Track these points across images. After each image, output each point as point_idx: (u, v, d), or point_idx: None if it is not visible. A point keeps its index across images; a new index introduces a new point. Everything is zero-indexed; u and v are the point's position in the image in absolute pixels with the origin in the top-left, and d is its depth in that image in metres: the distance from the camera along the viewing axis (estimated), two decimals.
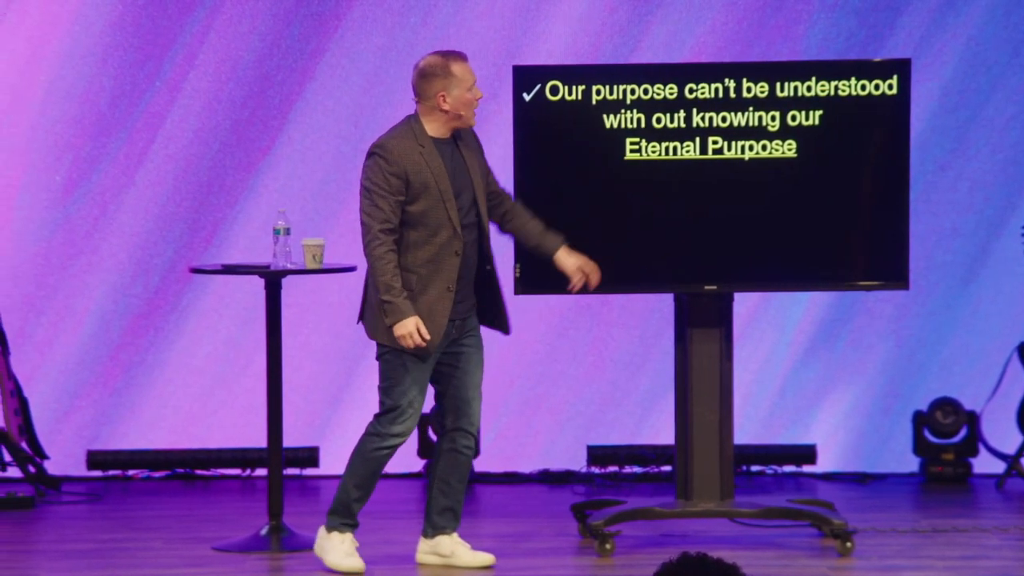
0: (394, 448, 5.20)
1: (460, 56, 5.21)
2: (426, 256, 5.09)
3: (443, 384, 5.20)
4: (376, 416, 5.22)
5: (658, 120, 5.61)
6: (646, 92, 5.60)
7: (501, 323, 5.30)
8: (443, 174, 5.10)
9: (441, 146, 5.16)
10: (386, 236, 5.02)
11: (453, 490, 5.21)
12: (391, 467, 6.87)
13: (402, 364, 5.10)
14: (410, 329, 4.99)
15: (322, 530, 5.24)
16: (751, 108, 5.61)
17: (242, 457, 7.04)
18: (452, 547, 5.23)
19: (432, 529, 5.27)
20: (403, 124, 5.19)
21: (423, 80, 5.15)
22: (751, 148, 5.62)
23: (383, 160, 5.09)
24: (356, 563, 5.20)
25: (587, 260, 5.26)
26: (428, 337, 5.01)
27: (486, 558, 5.23)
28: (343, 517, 5.21)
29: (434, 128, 5.16)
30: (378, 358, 5.18)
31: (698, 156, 5.61)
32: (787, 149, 5.62)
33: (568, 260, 5.24)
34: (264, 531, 5.74)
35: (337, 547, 5.20)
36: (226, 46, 7.08)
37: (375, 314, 5.11)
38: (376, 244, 5.01)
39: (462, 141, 5.23)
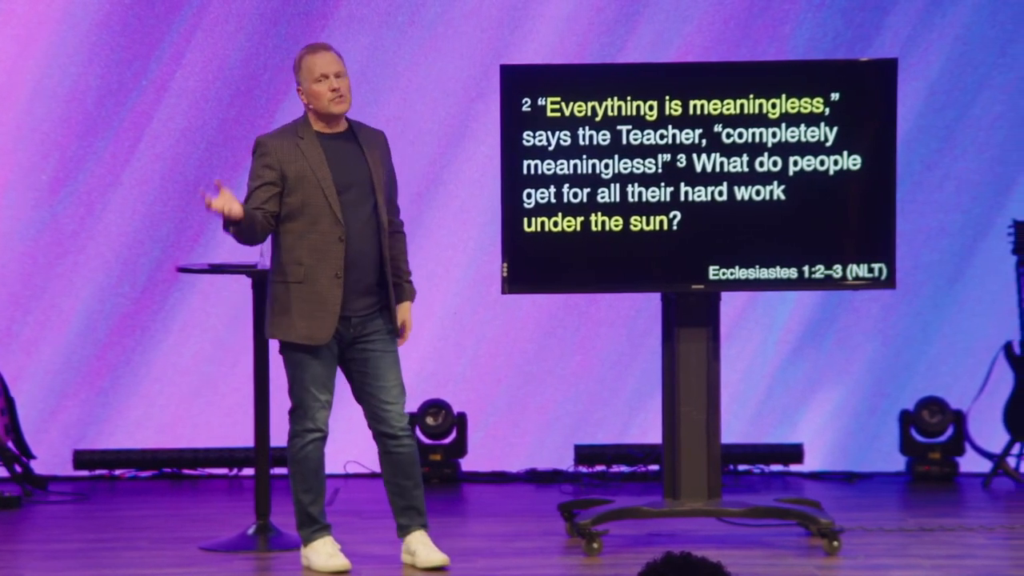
0: (315, 443, 5.18)
1: (314, 47, 5.23)
2: (310, 245, 5.12)
3: (356, 387, 5.21)
4: (288, 416, 5.24)
5: (648, 117, 5.61)
6: (635, 93, 5.60)
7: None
8: (322, 164, 5.11)
9: (327, 139, 5.18)
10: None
11: (404, 489, 5.21)
12: (378, 466, 6.87)
13: (297, 360, 5.14)
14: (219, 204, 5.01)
15: (302, 550, 5.26)
16: (740, 106, 5.62)
17: (229, 456, 7.03)
18: (415, 546, 5.23)
19: (401, 530, 5.27)
20: (293, 121, 5.26)
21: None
22: (738, 149, 5.62)
23: (258, 152, 5.17)
24: (339, 562, 5.20)
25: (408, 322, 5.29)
26: (233, 207, 5.01)
27: (439, 559, 5.20)
28: (310, 526, 5.22)
29: (314, 121, 5.20)
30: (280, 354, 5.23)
31: (685, 157, 5.61)
32: (774, 149, 5.63)
33: (405, 314, 5.27)
34: (251, 530, 5.73)
35: (319, 552, 5.21)
36: (213, 45, 7.07)
37: (270, 312, 5.16)
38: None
39: (365, 141, 5.22)
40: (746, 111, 5.62)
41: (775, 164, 5.64)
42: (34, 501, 6.56)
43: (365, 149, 5.21)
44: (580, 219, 5.61)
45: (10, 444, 6.72)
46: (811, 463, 7.07)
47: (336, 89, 5.15)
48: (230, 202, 5.03)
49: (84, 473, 7.06)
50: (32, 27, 7.06)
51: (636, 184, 5.62)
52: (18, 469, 6.71)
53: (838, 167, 5.65)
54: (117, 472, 7.07)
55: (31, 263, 7.09)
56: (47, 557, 5.54)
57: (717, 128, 5.62)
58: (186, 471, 7.08)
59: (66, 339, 7.07)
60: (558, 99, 5.60)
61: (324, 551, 5.20)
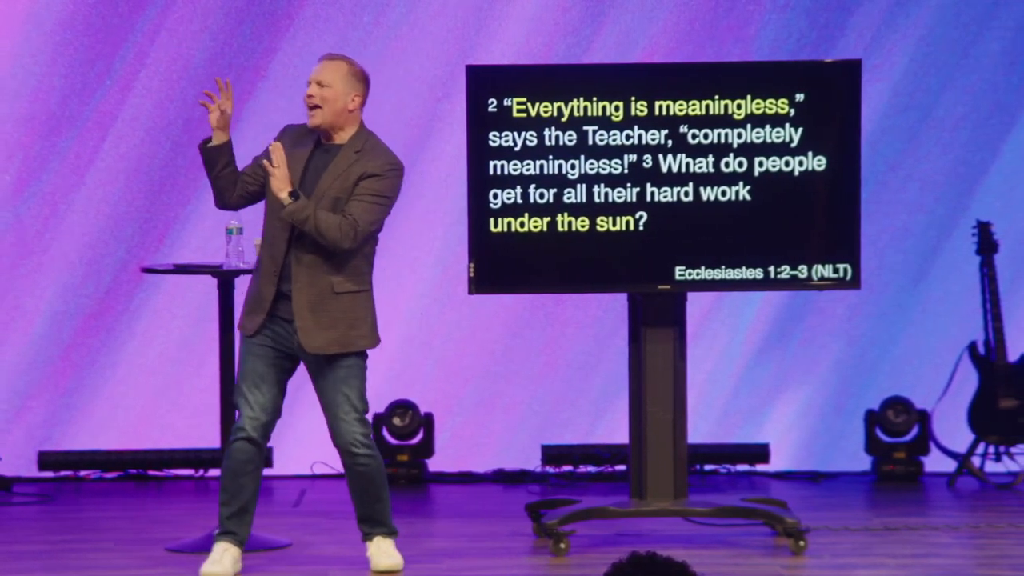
0: (237, 443, 5.10)
1: (321, 57, 5.23)
2: (267, 232, 5.11)
3: (319, 399, 5.18)
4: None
5: (613, 118, 5.62)
6: (601, 94, 5.61)
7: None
8: (295, 171, 5.08)
9: (320, 149, 5.14)
10: None
11: (363, 500, 5.19)
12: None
13: (240, 354, 5.14)
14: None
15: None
16: (706, 107, 5.63)
17: (195, 457, 7.00)
18: (371, 551, 5.21)
19: (364, 536, 5.26)
20: None
21: None
22: (704, 150, 5.64)
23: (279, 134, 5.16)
24: (209, 569, 5.13)
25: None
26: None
27: (388, 563, 5.17)
28: (219, 527, 5.19)
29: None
30: None
31: (651, 157, 5.62)
32: (739, 150, 5.64)
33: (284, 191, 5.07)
34: (217, 532, 5.70)
35: (210, 555, 5.17)
36: (177, 45, 7.05)
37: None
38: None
39: (343, 154, 5.13)
40: (711, 112, 5.64)
41: (740, 165, 5.66)
42: None
43: (333, 162, 5.13)
44: (547, 219, 5.61)
45: None
46: (777, 463, 7.09)
47: (311, 96, 5.11)
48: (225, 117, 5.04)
49: (49, 474, 7.03)
50: None
51: (602, 184, 5.63)
52: None
53: (803, 168, 5.67)
54: (82, 473, 7.04)
55: None
56: (12, 558, 5.51)
57: (683, 129, 5.63)
58: (152, 472, 7.06)
59: (30, 339, 7.03)
60: (524, 99, 5.60)
61: (211, 556, 5.16)
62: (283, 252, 5.06)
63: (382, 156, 5.15)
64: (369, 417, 7.01)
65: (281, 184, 4.99)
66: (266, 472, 7.02)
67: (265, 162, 5.03)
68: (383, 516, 5.18)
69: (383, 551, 5.18)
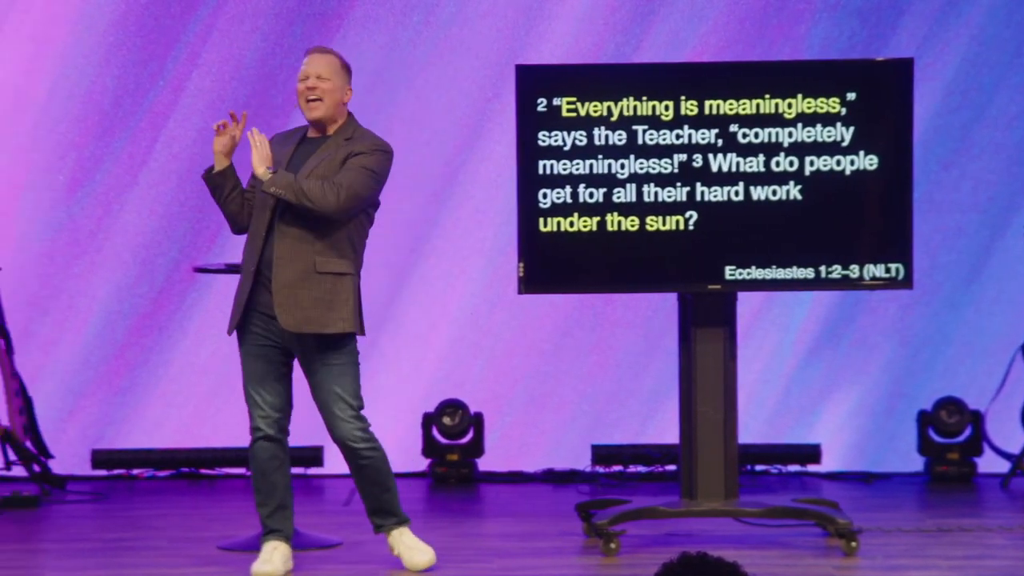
0: (258, 444, 5.13)
1: (309, 50, 5.19)
2: (248, 237, 5.12)
3: (312, 396, 5.18)
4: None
5: (663, 117, 5.61)
6: (651, 93, 5.60)
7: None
8: (277, 160, 5.09)
9: (306, 142, 5.15)
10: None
11: (371, 493, 5.19)
12: (397, 466, 6.87)
13: (240, 357, 5.14)
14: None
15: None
16: (756, 106, 5.61)
17: (246, 456, 7.02)
18: (398, 547, 5.22)
19: (377, 528, 5.26)
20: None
21: None
22: (754, 149, 5.62)
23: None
24: (261, 568, 5.15)
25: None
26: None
27: (423, 561, 5.17)
28: (263, 528, 5.22)
29: (310, 126, 5.19)
30: None
31: (701, 157, 5.61)
32: (790, 149, 5.62)
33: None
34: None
35: (259, 554, 5.19)
36: (229, 45, 7.08)
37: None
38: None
39: (331, 142, 5.11)
40: (762, 111, 5.62)
41: (791, 164, 5.63)
42: (52, 501, 6.57)
43: (320, 149, 5.12)
44: (596, 219, 5.61)
45: (28, 444, 6.74)
46: (829, 463, 7.06)
47: (312, 88, 5.09)
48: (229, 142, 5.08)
49: (102, 473, 7.08)
50: (49, 27, 7.08)
51: (652, 184, 5.62)
52: (36, 469, 6.73)
53: (855, 167, 5.64)
54: (135, 472, 7.09)
55: (49, 263, 7.11)
56: (65, 556, 5.55)
57: (733, 128, 5.62)
58: (204, 471, 7.10)
59: (84, 339, 7.09)
60: (574, 99, 5.60)
61: (261, 555, 5.18)
62: (263, 236, 5.04)
63: (371, 139, 5.15)
64: (419, 417, 7.08)
65: (261, 159, 5.00)
66: (316, 471, 7.08)
67: (249, 133, 5.04)
68: (392, 506, 5.19)
69: (410, 546, 5.18)
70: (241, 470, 7.07)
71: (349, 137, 5.12)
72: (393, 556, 5.24)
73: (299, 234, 5.02)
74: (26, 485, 6.74)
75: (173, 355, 7.10)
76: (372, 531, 5.29)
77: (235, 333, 5.14)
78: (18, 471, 6.80)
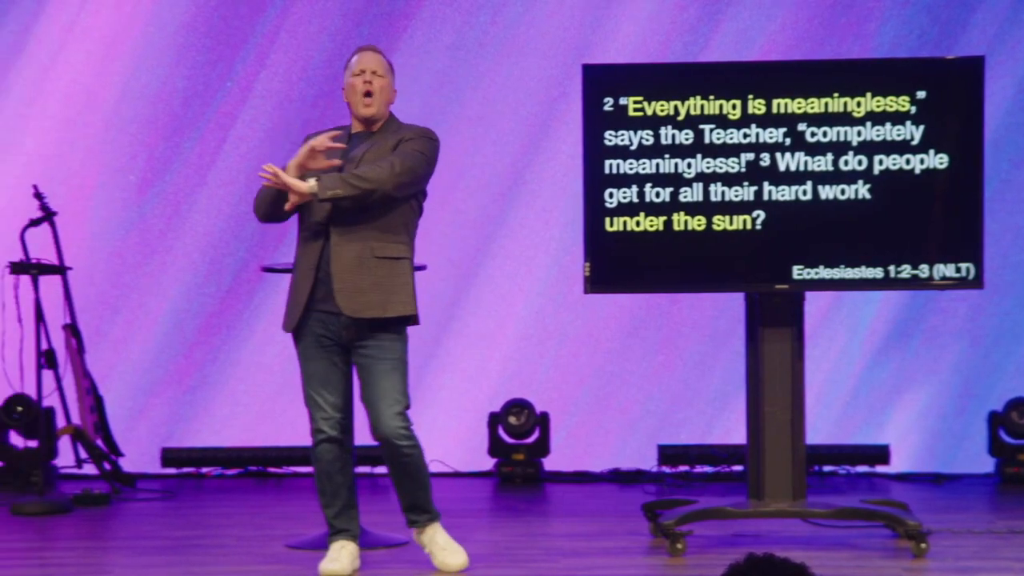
0: (321, 446, 5.13)
1: (362, 47, 5.18)
2: (301, 239, 5.10)
3: (362, 392, 5.17)
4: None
5: (731, 116, 5.58)
6: (718, 92, 5.58)
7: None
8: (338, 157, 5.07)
9: (357, 137, 5.14)
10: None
11: (409, 489, 5.20)
12: (463, 465, 6.89)
13: (299, 360, 5.13)
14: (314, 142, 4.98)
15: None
16: (824, 105, 5.58)
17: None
18: (431, 546, 5.22)
19: (410, 523, 5.27)
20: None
21: None
22: (823, 148, 5.58)
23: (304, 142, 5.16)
24: (329, 567, 5.16)
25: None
26: (270, 174, 4.97)
27: (457, 562, 5.17)
28: (329, 528, 5.23)
29: (353, 122, 5.17)
30: None
31: (769, 156, 5.58)
32: (859, 148, 5.58)
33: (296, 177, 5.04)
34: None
35: (327, 553, 5.21)
36: (297, 46, 7.12)
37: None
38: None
39: (381, 136, 5.12)
40: (830, 110, 5.58)
41: (860, 163, 5.59)
42: (123, 498, 6.64)
43: (372, 138, 5.14)
44: (663, 219, 5.59)
45: (99, 442, 6.81)
46: (898, 464, 7.01)
47: (369, 82, 5.10)
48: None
49: (171, 471, 7.14)
50: (119, 30, 7.14)
51: (719, 183, 5.59)
52: (107, 467, 6.80)
53: (924, 166, 5.59)
54: (204, 470, 7.14)
55: (119, 263, 7.17)
56: (135, 554, 5.60)
57: (801, 127, 5.58)
58: (272, 469, 7.14)
59: (154, 338, 7.15)
60: (640, 98, 5.58)
61: (329, 554, 5.20)
62: (322, 233, 5.05)
63: (418, 128, 5.16)
64: (484, 416, 7.09)
65: (295, 183, 4.98)
66: (383, 470, 7.10)
67: (262, 174, 5.00)
68: (426, 503, 5.21)
69: (443, 546, 5.18)
70: (308, 469, 7.11)
71: (397, 130, 5.14)
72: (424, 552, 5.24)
73: (355, 221, 5.03)
74: (97, 483, 6.81)
75: (241, 354, 7.15)
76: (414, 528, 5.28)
77: (291, 335, 5.15)
78: (89, 469, 6.88)
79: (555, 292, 7.09)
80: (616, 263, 5.60)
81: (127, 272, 7.16)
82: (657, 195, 5.59)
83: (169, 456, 7.12)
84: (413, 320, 5.11)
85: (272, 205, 5.08)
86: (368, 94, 5.09)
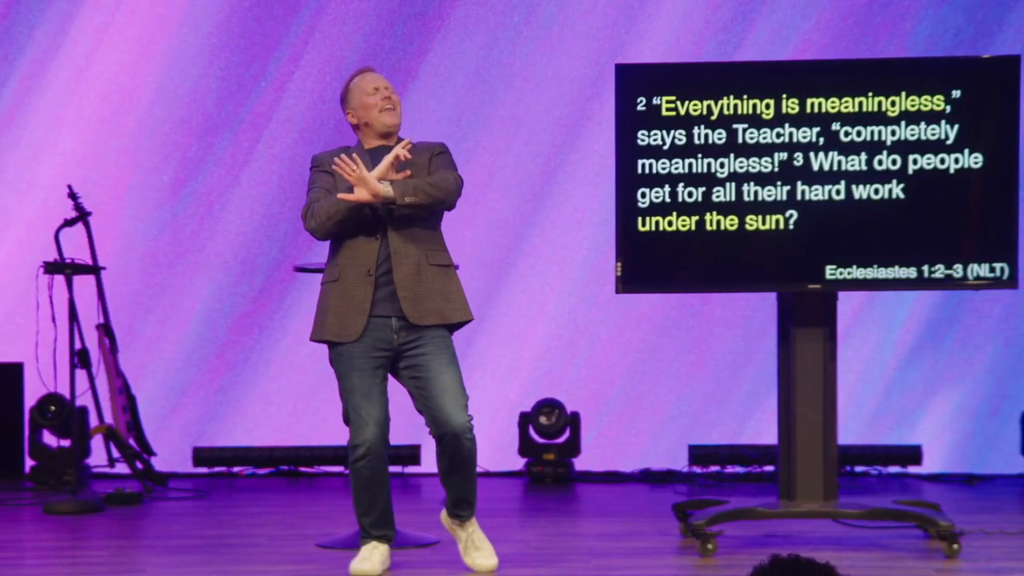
0: (362, 459, 5.12)
1: (360, 71, 5.26)
2: (346, 246, 5.10)
3: (415, 397, 5.16)
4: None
5: (764, 116, 5.57)
6: (751, 92, 5.56)
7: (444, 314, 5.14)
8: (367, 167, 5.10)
9: (375, 151, 5.18)
10: (307, 212, 5.08)
11: (455, 484, 5.21)
12: (494, 465, 6.90)
13: (340, 370, 5.13)
14: (343, 166, 4.99)
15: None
16: (859, 104, 5.56)
17: (345, 455, 7.08)
18: (466, 541, 5.23)
19: (449, 516, 5.28)
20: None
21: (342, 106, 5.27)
22: (857, 148, 5.56)
23: (313, 164, 5.20)
24: (360, 566, 5.18)
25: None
26: (353, 164, 4.97)
27: (489, 565, 5.17)
28: (362, 531, 5.25)
29: (365, 140, 5.21)
30: None
31: (802, 155, 5.57)
32: (893, 147, 5.56)
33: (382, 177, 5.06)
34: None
35: (359, 553, 5.23)
36: (330, 46, 7.13)
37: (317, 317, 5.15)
38: (306, 217, 5.09)
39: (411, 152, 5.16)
40: (865, 109, 5.56)
41: (894, 162, 5.57)
42: (154, 497, 6.66)
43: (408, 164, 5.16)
44: (695, 218, 5.58)
45: (131, 441, 6.83)
46: (930, 465, 6.98)
47: (388, 98, 5.17)
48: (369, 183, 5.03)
49: (203, 470, 7.16)
50: (153, 30, 7.17)
51: (752, 183, 5.58)
52: (139, 466, 6.82)
53: (959, 165, 5.56)
54: (235, 469, 7.16)
55: (152, 262, 7.20)
56: (167, 552, 5.62)
57: (835, 126, 5.56)
58: (303, 468, 7.15)
59: (186, 338, 7.17)
60: (673, 98, 5.57)
61: (360, 553, 5.22)
62: (377, 237, 5.07)
63: (433, 142, 5.24)
64: (515, 416, 7.09)
65: (375, 184, 5.00)
66: (414, 470, 7.11)
67: (336, 163, 5.02)
68: (474, 497, 5.25)
69: (478, 545, 5.19)
70: (339, 468, 7.12)
71: (415, 146, 5.19)
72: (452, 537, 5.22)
73: (408, 231, 5.10)
74: (129, 482, 6.83)
75: (273, 354, 7.16)
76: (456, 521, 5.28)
77: (326, 344, 5.14)
78: (121, 468, 6.90)
79: (587, 292, 7.09)
80: (648, 263, 5.58)
81: (160, 272, 7.18)
82: (690, 195, 5.58)
83: (201, 455, 7.14)
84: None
85: (345, 223, 5.09)
86: (387, 109, 5.16)
